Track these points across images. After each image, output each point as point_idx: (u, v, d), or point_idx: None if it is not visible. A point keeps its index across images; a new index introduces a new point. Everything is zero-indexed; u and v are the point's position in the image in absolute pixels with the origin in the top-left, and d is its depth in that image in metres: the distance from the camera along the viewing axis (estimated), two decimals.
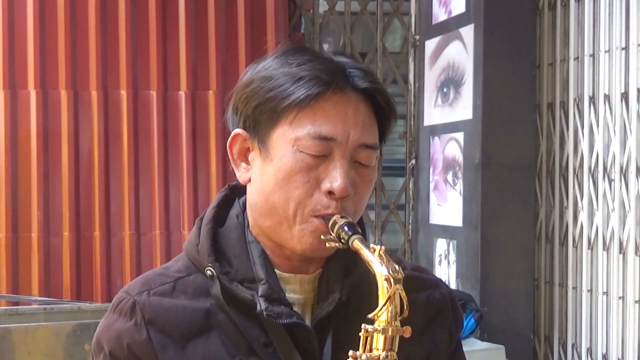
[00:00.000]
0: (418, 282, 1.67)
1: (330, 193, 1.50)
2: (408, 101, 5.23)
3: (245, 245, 1.57)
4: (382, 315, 1.41)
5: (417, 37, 5.14)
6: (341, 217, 1.49)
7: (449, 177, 4.71)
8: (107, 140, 4.61)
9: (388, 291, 1.40)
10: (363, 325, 1.41)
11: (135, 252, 4.60)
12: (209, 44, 4.75)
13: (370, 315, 1.41)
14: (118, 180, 4.61)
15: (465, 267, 4.53)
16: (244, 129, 1.56)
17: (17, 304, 4.21)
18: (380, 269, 1.42)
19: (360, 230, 1.48)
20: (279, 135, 1.52)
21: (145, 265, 4.56)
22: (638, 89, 3.93)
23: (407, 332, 1.42)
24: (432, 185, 4.94)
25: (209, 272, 1.54)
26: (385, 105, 1.57)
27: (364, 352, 1.41)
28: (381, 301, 1.41)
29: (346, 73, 1.53)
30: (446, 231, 4.76)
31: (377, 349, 1.41)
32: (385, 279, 1.41)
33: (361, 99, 1.54)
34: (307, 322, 1.55)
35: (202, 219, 1.61)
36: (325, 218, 1.49)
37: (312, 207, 1.50)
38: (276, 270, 1.56)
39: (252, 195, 1.57)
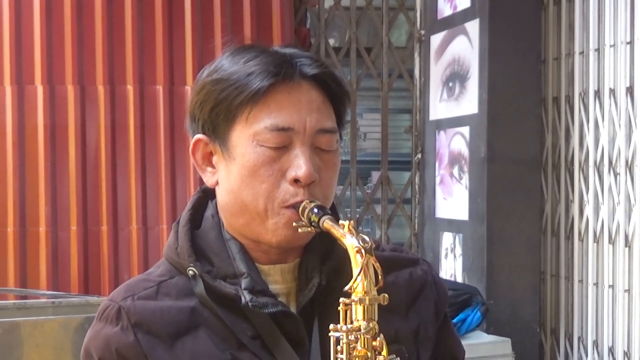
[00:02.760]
0: (399, 261, 1.69)
1: (296, 181, 1.51)
2: (414, 96, 5.24)
3: (223, 243, 1.59)
4: (358, 286, 1.42)
5: (423, 31, 5.15)
6: (310, 201, 1.50)
7: (455, 171, 4.72)
8: (114, 135, 4.63)
9: (360, 262, 1.42)
10: (341, 299, 1.43)
11: (142, 245, 4.62)
12: (215, 39, 4.76)
13: (346, 288, 1.42)
14: (125, 175, 4.63)
15: (471, 261, 4.54)
16: (204, 133, 1.58)
17: (25, 297, 4.22)
18: (350, 241, 1.44)
19: (329, 212, 1.50)
20: (238, 133, 1.53)
21: (152, 259, 4.58)
22: None
23: (384, 299, 1.43)
24: (438, 180, 4.95)
25: (190, 272, 1.55)
26: (337, 88, 1.59)
27: (345, 324, 1.43)
28: (355, 272, 1.42)
29: (293, 62, 1.54)
30: (452, 225, 4.78)
31: (358, 320, 1.42)
32: (357, 251, 1.42)
33: (312, 85, 1.55)
34: (293, 310, 1.56)
35: (178, 223, 1.62)
36: (296, 206, 1.51)
37: (281, 198, 1.52)
38: (256, 264, 1.58)
39: (222, 197, 1.59)
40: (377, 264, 1.43)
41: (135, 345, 1.52)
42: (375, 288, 1.43)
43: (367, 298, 1.42)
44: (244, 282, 1.54)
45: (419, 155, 5.16)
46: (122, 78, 4.65)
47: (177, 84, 4.70)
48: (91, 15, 4.62)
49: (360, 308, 1.42)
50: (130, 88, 4.65)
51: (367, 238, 1.44)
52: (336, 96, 1.59)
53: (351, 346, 1.42)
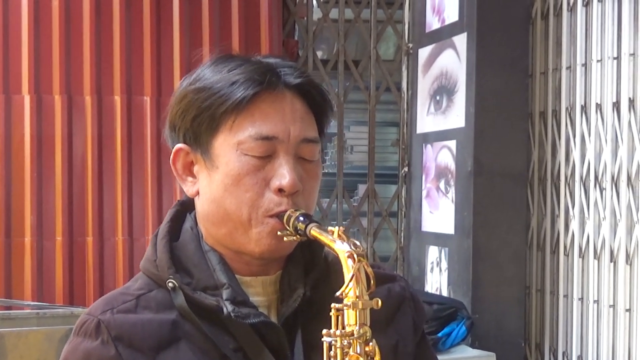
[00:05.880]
0: (377, 277, 1.68)
1: (280, 190, 1.51)
2: (401, 109, 5.24)
3: (202, 254, 1.57)
4: (350, 291, 1.41)
5: (411, 45, 5.16)
6: (295, 210, 1.50)
7: (442, 184, 4.73)
8: (100, 146, 4.61)
9: (352, 267, 1.41)
10: (333, 305, 1.42)
11: (128, 257, 4.60)
12: (203, 50, 4.75)
13: (338, 293, 1.41)
14: (111, 185, 4.61)
15: (457, 275, 4.54)
16: (185, 142, 1.58)
17: (9, 308, 4.20)
18: (341, 247, 1.43)
19: (316, 220, 1.49)
20: (221, 142, 1.53)
21: (138, 270, 4.52)
22: (629, 98, 3.95)
23: (377, 304, 1.42)
24: (424, 193, 4.95)
25: (170, 284, 1.53)
26: (320, 99, 1.59)
27: (337, 329, 1.42)
28: (347, 277, 1.41)
29: (277, 72, 1.54)
30: (438, 239, 4.78)
31: (350, 325, 1.41)
32: (349, 256, 1.42)
33: (296, 95, 1.55)
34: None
35: (156, 236, 1.61)
36: (280, 215, 1.50)
37: (265, 207, 1.51)
38: (237, 276, 1.57)
39: (203, 207, 1.57)
40: (370, 269, 1.42)
41: (116, 358, 1.50)
42: (368, 293, 1.42)
43: (359, 302, 1.41)
44: (225, 293, 1.52)
45: (406, 169, 5.17)
46: (110, 88, 4.63)
47: (164, 95, 4.69)
48: (79, 25, 4.60)
49: (352, 313, 1.41)
50: (117, 98, 4.63)
51: (358, 243, 1.44)
52: (319, 106, 1.59)
53: (344, 351, 1.41)
